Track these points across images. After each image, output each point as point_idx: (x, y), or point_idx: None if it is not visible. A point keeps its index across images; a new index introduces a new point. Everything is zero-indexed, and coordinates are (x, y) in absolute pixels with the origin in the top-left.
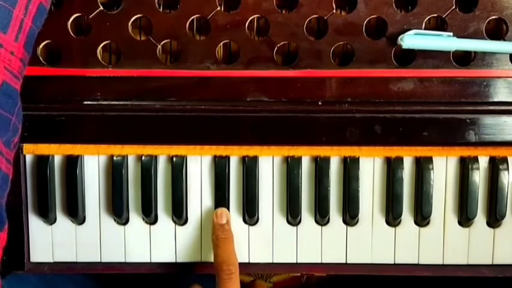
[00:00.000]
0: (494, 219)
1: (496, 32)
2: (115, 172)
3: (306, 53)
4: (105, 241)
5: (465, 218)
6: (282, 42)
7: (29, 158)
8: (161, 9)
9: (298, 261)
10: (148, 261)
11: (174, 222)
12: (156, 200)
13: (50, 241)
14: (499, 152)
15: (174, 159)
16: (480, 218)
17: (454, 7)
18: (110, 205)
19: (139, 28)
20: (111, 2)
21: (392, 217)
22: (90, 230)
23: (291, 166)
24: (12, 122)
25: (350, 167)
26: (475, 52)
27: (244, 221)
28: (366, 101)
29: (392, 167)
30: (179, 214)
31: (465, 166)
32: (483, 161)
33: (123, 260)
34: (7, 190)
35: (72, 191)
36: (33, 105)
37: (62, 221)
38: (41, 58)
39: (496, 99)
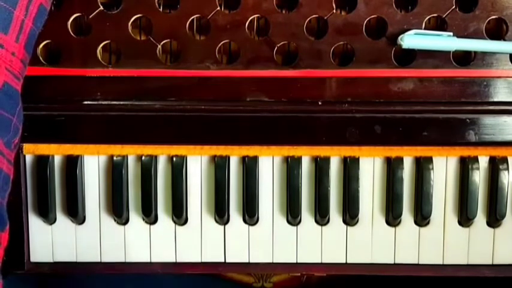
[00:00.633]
0: (494, 219)
1: (496, 32)
2: (115, 172)
3: (306, 53)
4: (105, 241)
5: (465, 218)
6: (282, 42)
7: (29, 158)
8: (161, 9)
9: (298, 261)
10: (149, 261)
11: (174, 222)
12: (156, 200)
13: (50, 241)
14: (499, 152)
15: (174, 159)
16: (480, 218)
17: (454, 7)
18: (110, 205)
19: (139, 28)
20: (111, 2)
21: (392, 217)
22: (90, 230)
23: (291, 166)
24: (13, 123)
25: (350, 167)
26: (475, 52)
27: (244, 221)
28: (366, 101)
29: (392, 167)
30: (179, 214)
31: (465, 166)
32: (483, 161)
33: (123, 260)
34: (8, 191)
35: (72, 191)
36: (33, 105)
37: (62, 221)
38: (41, 58)
39: (496, 99)
